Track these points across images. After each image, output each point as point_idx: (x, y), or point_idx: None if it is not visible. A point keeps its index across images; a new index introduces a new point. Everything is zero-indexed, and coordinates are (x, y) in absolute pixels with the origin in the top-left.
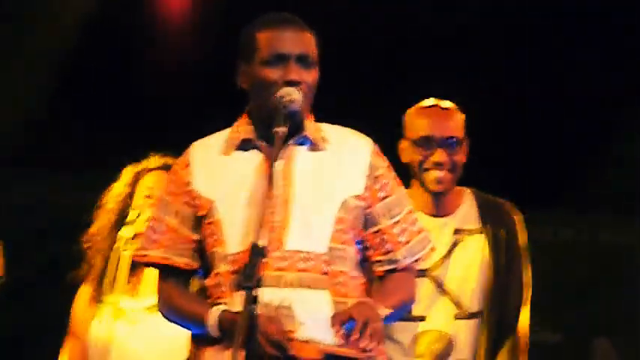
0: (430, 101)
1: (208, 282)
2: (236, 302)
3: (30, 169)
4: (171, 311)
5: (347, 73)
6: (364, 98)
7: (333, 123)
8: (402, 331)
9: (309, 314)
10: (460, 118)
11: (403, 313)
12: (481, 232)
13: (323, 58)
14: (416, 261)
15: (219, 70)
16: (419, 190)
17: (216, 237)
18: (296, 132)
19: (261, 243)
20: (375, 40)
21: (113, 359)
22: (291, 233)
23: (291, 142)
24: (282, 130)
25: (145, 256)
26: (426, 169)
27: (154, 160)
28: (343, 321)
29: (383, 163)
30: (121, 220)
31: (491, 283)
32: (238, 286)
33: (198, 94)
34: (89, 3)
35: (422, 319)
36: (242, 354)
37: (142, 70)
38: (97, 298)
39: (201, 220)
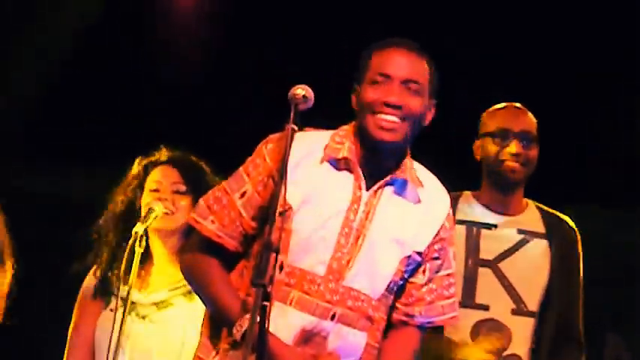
0: (504, 103)
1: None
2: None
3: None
4: (202, 287)
5: None
6: None
7: None
8: (464, 317)
9: (341, 350)
10: (533, 118)
11: None
12: (545, 238)
13: None
14: (430, 323)
15: (231, 64)
16: (488, 188)
17: (280, 244)
18: (395, 167)
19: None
20: None
21: (125, 354)
22: (354, 270)
23: (387, 178)
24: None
25: (198, 223)
26: (502, 161)
27: (163, 154)
28: None
29: (451, 225)
30: (128, 213)
31: (549, 288)
32: (251, 283)
33: (212, 86)
34: None
35: (486, 308)
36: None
37: (155, 63)
38: (104, 289)
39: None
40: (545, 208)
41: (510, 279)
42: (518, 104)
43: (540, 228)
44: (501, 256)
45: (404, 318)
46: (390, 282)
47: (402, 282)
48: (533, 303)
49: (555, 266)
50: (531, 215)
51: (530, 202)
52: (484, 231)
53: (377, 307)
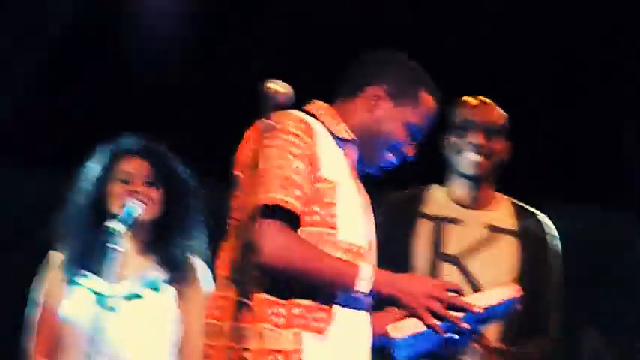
0: (470, 97)
1: None
2: None
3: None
4: (309, 262)
5: None
6: None
7: None
8: None
9: None
10: (502, 113)
11: None
12: (515, 235)
13: None
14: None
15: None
16: (455, 181)
17: (328, 219)
18: None
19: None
20: None
21: (97, 347)
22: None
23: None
24: None
25: (287, 202)
26: (462, 152)
27: (133, 143)
28: None
29: None
30: (96, 204)
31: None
32: None
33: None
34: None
35: None
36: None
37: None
38: (70, 280)
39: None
40: (519, 203)
41: (475, 274)
42: (485, 98)
43: (511, 224)
44: (466, 251)
45: None
46: None
47: None
48: None
49: (524, 263)
50: (502, 210)
51: (503, 197)
52: (449, 225)
53: None
